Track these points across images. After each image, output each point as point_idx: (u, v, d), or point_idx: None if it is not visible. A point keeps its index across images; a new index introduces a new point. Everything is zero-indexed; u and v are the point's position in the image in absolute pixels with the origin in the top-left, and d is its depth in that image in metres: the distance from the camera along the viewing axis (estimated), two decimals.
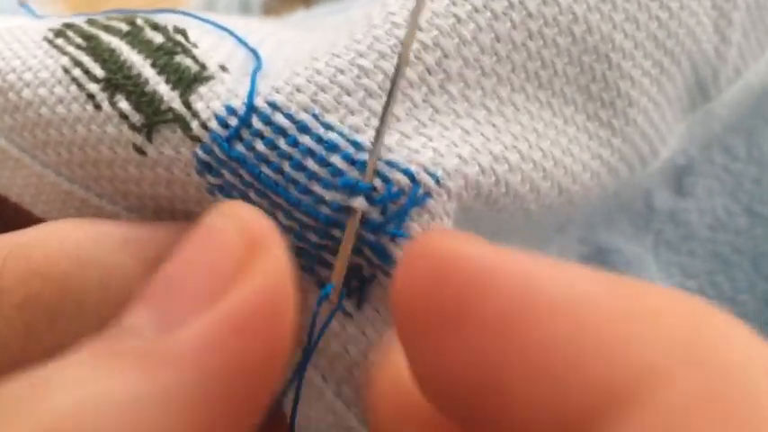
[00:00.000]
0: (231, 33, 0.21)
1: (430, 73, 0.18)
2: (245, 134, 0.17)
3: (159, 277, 0.13)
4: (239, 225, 0.13)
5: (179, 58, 0.19)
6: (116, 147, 0.18)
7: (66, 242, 0.17)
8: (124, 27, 0.20)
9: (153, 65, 0.19)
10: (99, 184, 0.19)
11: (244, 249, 0.13)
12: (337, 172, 0.17)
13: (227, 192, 0.18)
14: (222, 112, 0.18)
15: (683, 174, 0.28)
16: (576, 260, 0.27)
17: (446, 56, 0.18)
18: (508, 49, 0.19)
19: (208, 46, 0.20)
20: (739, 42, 0.25)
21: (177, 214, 0.19)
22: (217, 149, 0.18)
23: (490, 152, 0.18)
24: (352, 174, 0.17)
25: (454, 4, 0.19)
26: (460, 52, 0.19)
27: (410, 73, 0.18)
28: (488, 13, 0.19)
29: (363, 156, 0.17)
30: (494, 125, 0.19)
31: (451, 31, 0.19)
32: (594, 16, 0.20)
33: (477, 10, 0.19)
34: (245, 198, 0.18)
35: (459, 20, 0.19)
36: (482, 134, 0.18)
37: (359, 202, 0.17)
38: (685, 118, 0.25)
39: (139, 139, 0.18)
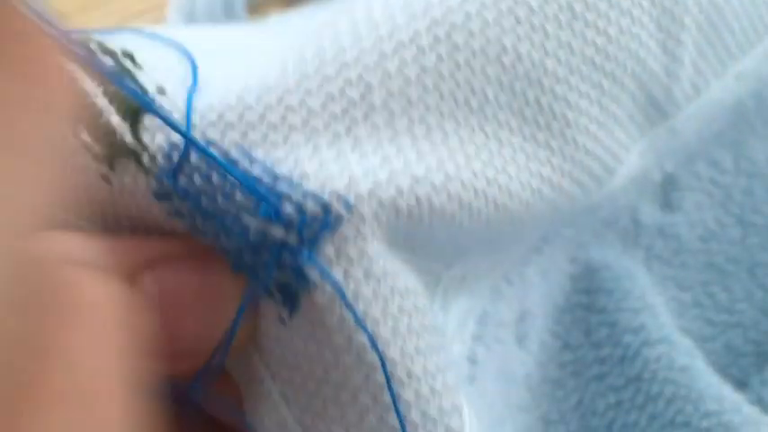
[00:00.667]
0: (174, 45, 0.22)
1: (354, 107, 0.20)
2: (186, 168, 0.19)
3: None
4: None
5: (126, 84, 0.20)
6: (88, 174, 0.20)
7: (57, 243, 0.18)
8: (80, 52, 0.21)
9: (104, 93, 0.20)
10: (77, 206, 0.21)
11: None
12: (259, 201, 0.19)
13: (182, 217, 0.20)
14: (165, 147, 0.19)
15: (669, 189, 0.29)
16: (568, 281, 0.28)
17: (370, 90, 0.20)
18: (435, 79, 0.20)
19: (152, 64, 0.21)
20: (694, 60, 0.25)
21: (153, 233, 0.20)
22: (165, 182, 0.19)
23: (411, 174, 0.19)
24: (272, 201, 0.19)
25: (381, 40, 0.20)
26: (385, 85, 0.20)
27: (334, 107, 0.20)
28: (414, 48, 0.20)
29: (282, 186, 0.19)
30: (418, 150, 0.20)
31: (376, 66, 0.20)
32: (524, 46, 0.21)
33: (403, 45, 0.20)
34: (194, 222, 0.19)
35: (383, 56, 0.20)
36: (404, 158, 0.20)
37: (276, 230, 0.19)
38: (644, 134, 0.26)
39: (104, 169, 0.20)
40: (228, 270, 0.19)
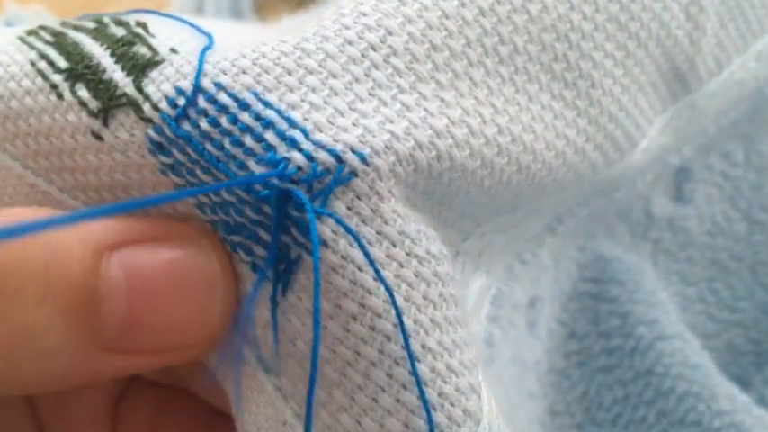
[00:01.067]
0: (189, 23, 0.21)
1: (374, 49, 0.19)
2: (192, 113, 0.18)
3: None
4: None
5: (136, 48, 0.20)
6: (77, 134, 0.19)
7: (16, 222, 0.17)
8: (91, 25, 0.21)
9: (111, 54, 0.20)
10: (61, 177, 0.20)
11: None
12: (269, 147, 0.18)
13: (178, 171, 0.18)
14: (172, 93, 0.18)
15: (683, 180, 0.28)
16: (575, 268, 0.27)
17: (390, 33, 0.19)
18: (459, 24, 0.20)
19: (165, 35, 0.20)
20: (716, 31, 0.25)
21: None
22: (166, 129, 0.18)
23: (431, 127, 0.19)
24: (281, 149, 0.18)
25: None
26: (406, 29, 0.19)
27: (352, 50, 0.19)
28: None
29: (294, 132, 0.18)
30: (442, 99, 0.19)
31: (395, 12, 0.19)
32: None
33: None
34: (193, 175, 0.18)
35: (402, 2, 0.19)
36: (425, 109, 0.19)
37: (279, 181, 0.17)
38: (666, 109, 0.25)
39: (97, 124, 0.19)
40: (210, 251, 0.18)
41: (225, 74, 0.18)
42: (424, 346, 0.18)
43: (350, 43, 0.19)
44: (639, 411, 0.25)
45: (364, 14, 0.19)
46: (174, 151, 0.18)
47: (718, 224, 0.29)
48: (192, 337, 0.18)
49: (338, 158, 0.17)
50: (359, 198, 0.18)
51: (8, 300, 0.16)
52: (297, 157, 0.17)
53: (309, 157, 0.17)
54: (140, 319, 0.17)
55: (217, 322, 0.18)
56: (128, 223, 0.18)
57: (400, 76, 0.19)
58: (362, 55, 0.19)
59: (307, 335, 0.18)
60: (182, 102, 0.18)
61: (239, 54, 0.19)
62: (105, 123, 0.19)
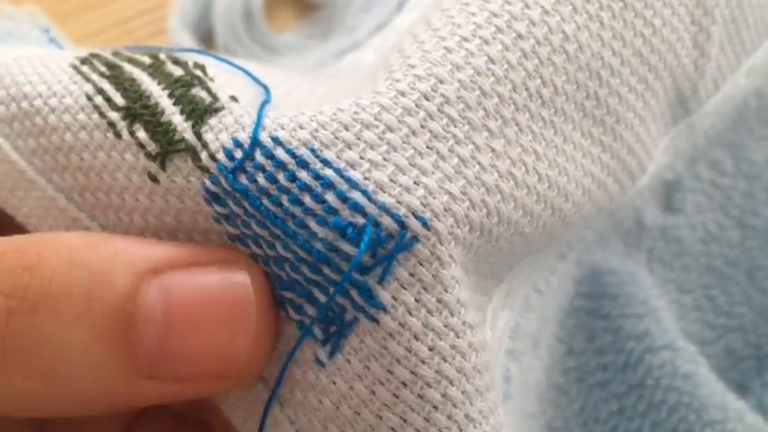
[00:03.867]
0: (246, 72, 0.22)
1: (427, 99, 0.19)
2: (249, 167, 0.18)
3: None
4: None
5: (195, 90, 0.20)
6: (132, 174, 0.19)
7: (62, 245, 0.18)
8: (147, 60, 0.21)
9: (170, 95, 0.20)
10: (105, 215, 0.20)
11: None
12: (331, 210, 0.18)
13: (233, 221, 0.19)
14: (229, 144, 0.18)
15: (672, 190, 0.29)
16: (572, 284, 0.28)
17: (441, 81, 0.19)
18: (504, 69, 0.20)
19: (223, 80, 0.21)
20: (717, 56, 0.25)
21: None
22: (223, 180, 0.18)
23: (483, 184, 0.19)
24: (344, 213, 0.18)
25: (443, 39, 0.20)
26: (455, 76, 0.19)
27: (405, 101, 0.19)
28: (478, 40, 0.20)
29: (355, 194, 0.18)
30: (493, 150, 0.19)
31: (442, 59, 0.19)
32: (584, 34, 0.21)
33: (465, 39, 0.20)
34: (248, 228, 0.18)
35: (449, 50, 0.20)
36: (479, 162, 0.19)
37: (348, 247, 0.18)
38: (668, 132, 0.25)
39: (154, 167, 0.19)
40: (251, 282, 0.18)
41: (283, 129, 0.18)
42: (467, 416, 0.18)
43: (402, 94, 0.19)
44: (634, 423, 0.26)
45: (412, 66, 0.19)
46: (230, 203, 0.18)
47: (710, 232, 0.29)
48: (224, 367, 0.18)
49: (401, 224, 0.18)
50: (421, 264, 0.18)
51: (48, 319, 0.17)
52: (361, 221, 0.18)
53: (375, 223, 0.18)
54: (174, 345, 0.17)
55: (248, 355, 0.18)
56: (171, 248, 0.18)
57: (455, 126, 0.19)
58: (416, 105, 0.19)
59: (353, 399, 0.18)
60: (239, 154, 0.18)
61: (298, 111, 0.19)
62: (162, 167, 0.19)
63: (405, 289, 0.18)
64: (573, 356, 0.27)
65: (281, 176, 0.18)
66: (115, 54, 0.22)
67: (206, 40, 0.35)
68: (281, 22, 0.36)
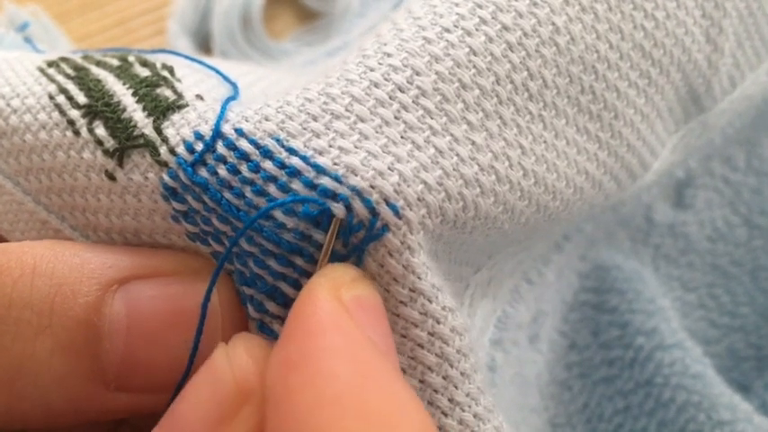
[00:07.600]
0: (216, 71, 0.21)
1: (401, 90, 0.18)
2: (210, 159, 0.18)
3: (170, 412, 0.16)
4: (236, 371, 0.16)
5: (160, 90, 0.19)
6: (90, 173, 0.19)
7: (26, 254, 0.17)
8: (115, 62, 0.21)
9: (134, 94, 0.19)
10: (73, 216, 0.20)
11: (234, 398, 0.15)
12: (299, 201, 0.17)
13: (191, 218, 0.18)
14: (190, 138, 0.18)
15: (684, 186, 0.28)
16: (576, 278, 0.27)
17: (417, 73, 0.18)
18: (487, 61, 0.19)
19: (192, 81, 0.20)
20: (733, 51, 0.24)
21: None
22: (182, 174, 0.18)
23: (461, 176, 0.18)
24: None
25: (422, 29, 0.19)
26: (433, 67, 0.19)
27: (379, 92, 0.18)
28: (460, 31, 0.19)
29: (323, 180, 0.17)
30: (473, 142, 0.19)
31: (421, 50, 0.19)
32: (576, 26, 0.20)
33: (447, 30, 0.19)
34: (209, 224, 0.18)
35: (428, 41, 0.19)
36: (457, 154, 0.18)
37: (321, 236, 0.17)
38: (679, 129, 0.25)
39: (111, 164, 0.18)
40: (216, 290, 0.18)
41: (247, 120, 0.18)
42: (451, 400, 0.18)
43: (376, 85, 0.18)
44: (640, 422, 0.25)
45: (389, 55, 0.19)
46: (189, 198, 0.18)
47: (718, 229, 0.29)
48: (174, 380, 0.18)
49: (372, 210, 0.17)
50: (390, 255, 0.17)
51: (8, 330, 0.17)
52: (334, 207, 0.17)
53: (347, 206, 0.17)
54: (140, 356, 0.17)
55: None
56: (137, 257, 0.18)
57: (431, 117, 0.18)
58: (390, 97, 0.18)
59: None
60: (200, 147, 0.18)
61: (263, 104, 0.18)
62: (120, 164, 0.18)
63: (374, 280, 0.17)
64: (576, 351, 0.26)
65: (243, 168, 0.17)
66: (85, 57, 0.21)
67: (204, 44, 0.35)
68: (279, 27, 0.36)
